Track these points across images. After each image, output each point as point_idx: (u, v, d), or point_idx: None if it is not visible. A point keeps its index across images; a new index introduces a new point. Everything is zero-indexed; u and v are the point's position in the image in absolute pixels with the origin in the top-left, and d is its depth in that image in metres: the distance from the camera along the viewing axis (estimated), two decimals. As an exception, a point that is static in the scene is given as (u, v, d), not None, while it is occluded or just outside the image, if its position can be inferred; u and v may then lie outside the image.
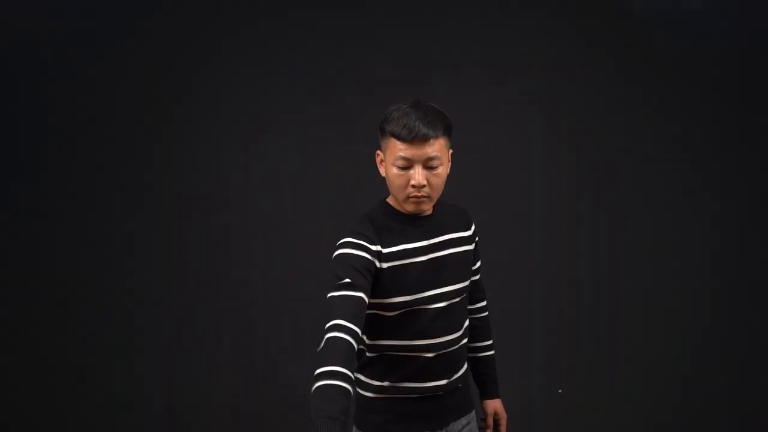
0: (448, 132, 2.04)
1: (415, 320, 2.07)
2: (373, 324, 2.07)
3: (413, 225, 2.08)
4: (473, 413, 2.32)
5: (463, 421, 2.26)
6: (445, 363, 2.15)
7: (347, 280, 1.92)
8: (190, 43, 3.75)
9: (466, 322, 2.24)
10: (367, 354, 2.12)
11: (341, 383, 1.75)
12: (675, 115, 3.76)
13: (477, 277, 2.34)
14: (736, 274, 3.74)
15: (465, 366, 2.26)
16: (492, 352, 2.41)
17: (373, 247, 1.99)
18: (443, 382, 2.16)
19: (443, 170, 2.03)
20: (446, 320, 2.12)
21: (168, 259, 3.72)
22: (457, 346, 2.18)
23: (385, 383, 2.12)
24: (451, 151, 2.07)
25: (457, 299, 2.16)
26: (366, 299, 1.90)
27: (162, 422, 3.72)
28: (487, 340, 2.40)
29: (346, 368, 1.77)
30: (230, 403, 3.74)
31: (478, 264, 2.33)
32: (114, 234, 3.74)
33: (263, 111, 3.77)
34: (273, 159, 3.75)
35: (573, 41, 3.78)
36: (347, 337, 1.82)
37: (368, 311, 1.99)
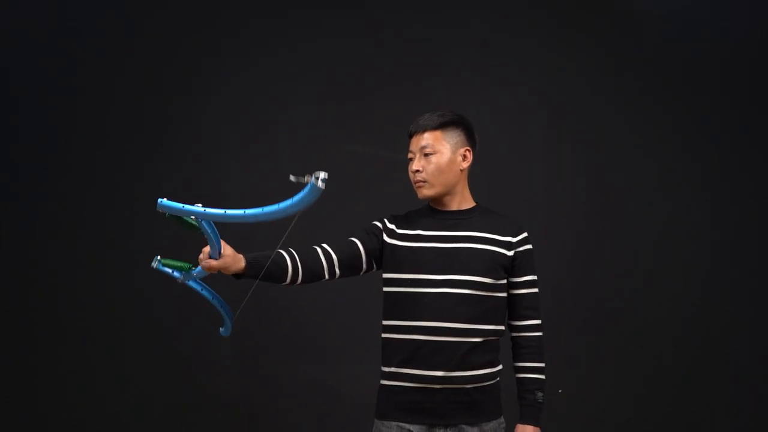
0: (444, 127, 2.30)
1: (416, 301, 2.25)
2: (386, 305, 2.32)
3: (436, 217, 2.33)
4: (493, 424, 2.29)
5: (475, 429, 2.26)
6: (439, 352, 2.21)
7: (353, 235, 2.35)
8: (190, 43, 3.75)
9: (488, 327, 2.25)
10: (382, 336, 2.33)
11: (281, 252, 2.21)
12: (675, 114, 3.76)
13: (521, 291, 2.33)
14: (737, 273, 3.74)
15: (481, 372, 2.25)
16: (532, 375, 2.31)
17: (389, 225, 2.35)
18: (439, 373, 2.21)
19: (437, 158, 2.28)
20: (445, 307, 2.22)
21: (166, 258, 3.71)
22: (454, 339, 2.21)
23: (391, 369, 2.27)
24: (464, 148, 2.31)
25: (464, 290, 2.23)
26: (356, 241, 2.31)
27: (162, 422, 3.72)
28: (526, 362, 2.32)
29: (293, 250, 2.22)
30: (230, 403, 3.74)
31: (524, 278, 2.33)
32: (113, 233, 3.74)
33: (263, 111, 3.78)
34: (273, 159, 3.75)
35: (573, 41, 3.79)
36: (317, 246, 2.27)
37: (384, 289, 2.32)
